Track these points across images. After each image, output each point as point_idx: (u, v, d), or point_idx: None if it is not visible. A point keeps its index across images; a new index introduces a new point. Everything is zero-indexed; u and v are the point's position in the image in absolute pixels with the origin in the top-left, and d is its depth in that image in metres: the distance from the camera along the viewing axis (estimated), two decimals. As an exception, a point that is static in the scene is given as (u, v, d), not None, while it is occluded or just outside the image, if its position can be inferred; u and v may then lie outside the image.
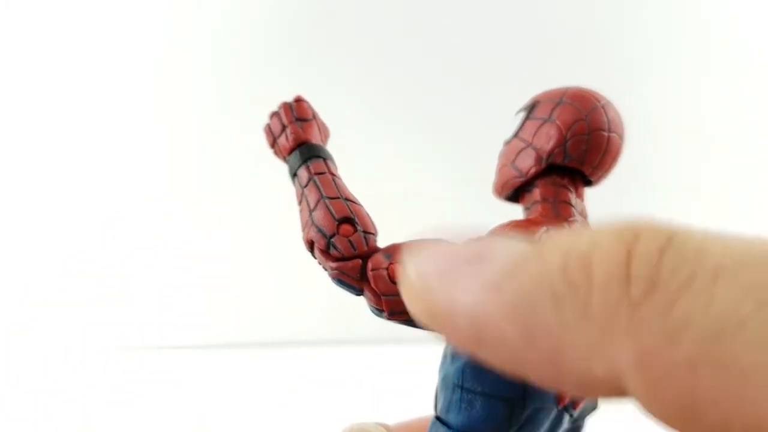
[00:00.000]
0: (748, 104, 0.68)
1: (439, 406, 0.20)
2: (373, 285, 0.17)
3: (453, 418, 0.19)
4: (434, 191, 0.66)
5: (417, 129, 0.66)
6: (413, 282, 0.10)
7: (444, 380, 0.20)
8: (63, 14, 0.63)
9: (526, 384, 0.18)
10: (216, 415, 0.48)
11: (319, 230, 0.18)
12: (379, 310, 0.17)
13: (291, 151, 0.20)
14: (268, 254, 0.66)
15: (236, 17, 0.65)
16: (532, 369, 0.09)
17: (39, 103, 0.65)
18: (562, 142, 0.19)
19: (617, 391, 0.08)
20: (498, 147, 0.22)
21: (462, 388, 0.19)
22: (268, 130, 0.21)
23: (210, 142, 0.66)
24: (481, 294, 0.09)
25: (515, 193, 0.21)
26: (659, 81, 0.67)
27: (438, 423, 0.19)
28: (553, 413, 0.19)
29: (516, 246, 0.09)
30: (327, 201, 0.18)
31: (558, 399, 0.19)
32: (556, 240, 0.09)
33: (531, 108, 0.20)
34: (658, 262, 0.08)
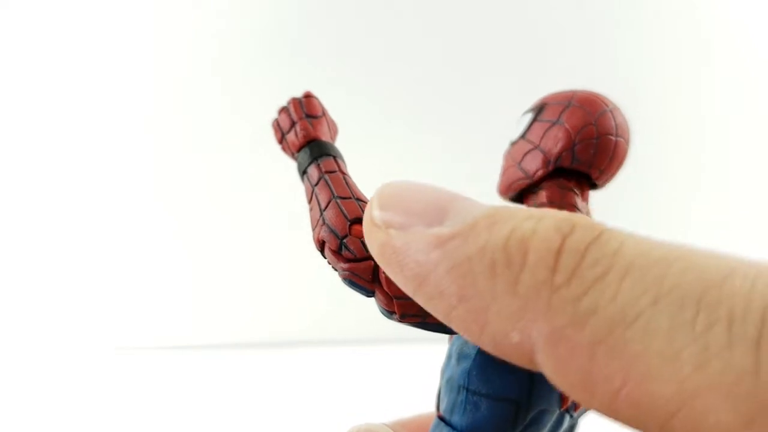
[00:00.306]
0: (746, 104, 0.68)
1: (443, 406, 0.20)
2: (385, 287, 0.17)
3: (457, 420, 0.19)
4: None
5: (424, 129, 0.66)
6: (375, 223, 0.11)
7: (449, 381, 0.20)
8: (60, 17, 0.63)
9: (532, 386, 0.18)
10: (216, 415, 0.48)
11: (331, 230, 0.17)
12: (390, 312, 0.17)
13: (300, 148, 0.20)
14: (269, 255, 0.66)
15: (240, 14, 0.65)
16: (459, 324, 0.10)
17: (39, 103, 0.65)
18: (570, 146, 0.19)
19: (527, 359, 0.09)
20: (503, 147, 0.22)
21: (467, 389, 0.18)
22: (276, 125, 0.21)
23: (210, 142, 0.66)
24: (430, 251, 0.10)
25: (520, 195, 0.21)
26: (658, 81, 0.67)
27: (442, 423, 0.19)
28: (555, 415, 0.19)
29: (472, 211, 0.10)
30: (339, 201, 0.18)
31: (561, 401, 0.19)
32: (505, 216, 0.10)
33: (539, 110, 0.20)
34: (582, 256, 0.09)
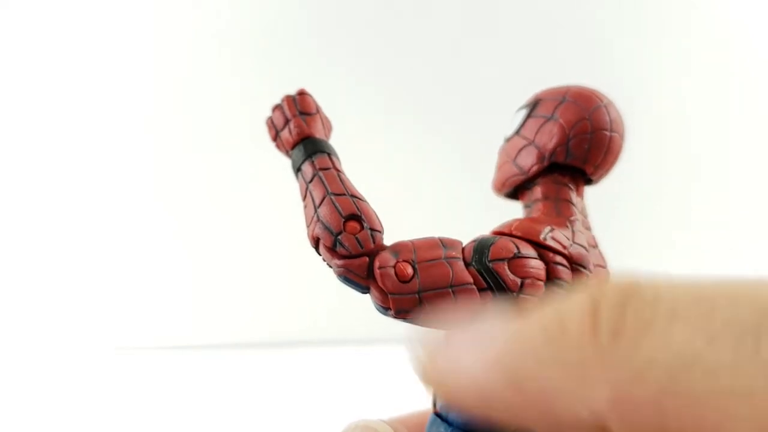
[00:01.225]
0: (744, 104, 0.68)
1: (440, 403, 0.20)
2: (380, 283, 0.17)
3: (454, 416, 0.19)
4: (437, 188, 0.66)
5: (420, 126, 0.66)
6: (428, 367, 0.12)
7: None
8: (60, 16, 0.63)
9: None
10: (216, 415, 0.48)
11: (326, 227, 0.17)
12: (385, 309, 0.17)
13: (294, 146, 0.20)
14: (269, 254, 0.66)
15: (240, 13, 0.65)
16: (532, 421, 0.10)
17: (39, 103, 0.65)
18: (564, 141, 0.19)
19: (604, 430, 0.09)
20: (500, 144, 0.22)
21: None
22: (270, 123, 0.21)
23: (210, 142, 0.66)
24: (481, 368, 0.10)
25: (515, 191, 0.21)
26: (657, 81, 0.67)
27: (438, 420, 0.19)
28: None
29: (506, 323, 0.11)
30: (333, 197, 0.18)
31: None
32: (536, 310, 0.10)
33: (533, 106, 0.20)
34: (621, 311, 0.09)
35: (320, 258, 0.18)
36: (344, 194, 0.18)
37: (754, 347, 0.08)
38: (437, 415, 0.20)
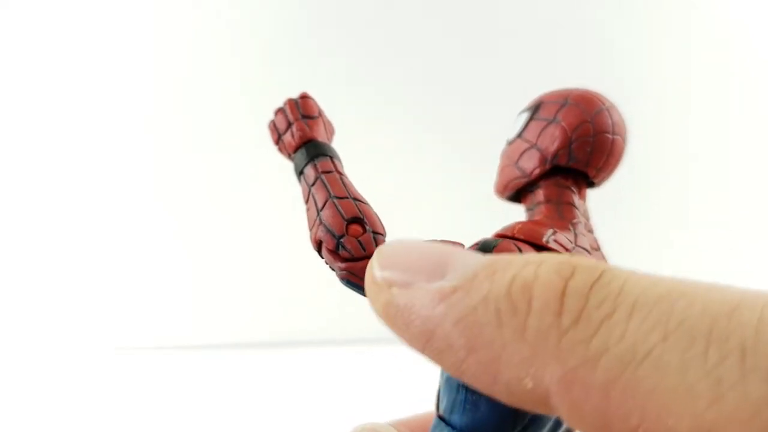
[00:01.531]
0: (744, 105, 0.68)
1: (443, 406, 0.20)
2: None
3: (457, 419, 0.19)
4: (439, 189, 0.66)
5: (422, 127, 0.66)
6: (377, 283, 0.12)
7: (448, 381, 0.20)
8: (60, 16, 0.63)
9: None
10: (216, 415, 0.48)
11: (328, 230, 0.17)
12: None
13: (297, 149, 0.20)
14: (269, 254, 0.66)
15: (240, 13, 0.65)
16: (471, 375, 0.10)
17: (39, 103, 0.65)
18: (567, 144, 0.19)
19: (543, 404, 0.09)
20: (501, 146, 0.22)
21: (467, 389, 0.18)
22: (273, 126, 0.21)
23: (210, 142, 0.66)
24: (435, 305, 0.10)
25: (517, 194, 0.21)
26: (655, 80, 0.67)
27: (441, 423, 0.19)
28: (556, 417, 0.19)
29: (471, 263, 0.11)
30: (335, 200, 0.18)
31: None
32: (505, 264, 0.10)
33: (535, 109, 0.20)
34: (586, 298, 0.09)
35: (323, 261, 0.18)
36: (347, 197, 0.18)
37: (703, 351, 0.08)
38: (440, 418, 0.19)
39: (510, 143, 0.21)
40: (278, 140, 0.21)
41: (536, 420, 0.19)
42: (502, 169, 0.21)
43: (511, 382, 0.09)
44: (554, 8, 0.65)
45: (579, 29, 0.66)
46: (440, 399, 0.20)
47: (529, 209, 0.21)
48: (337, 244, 0.17)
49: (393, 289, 0.11)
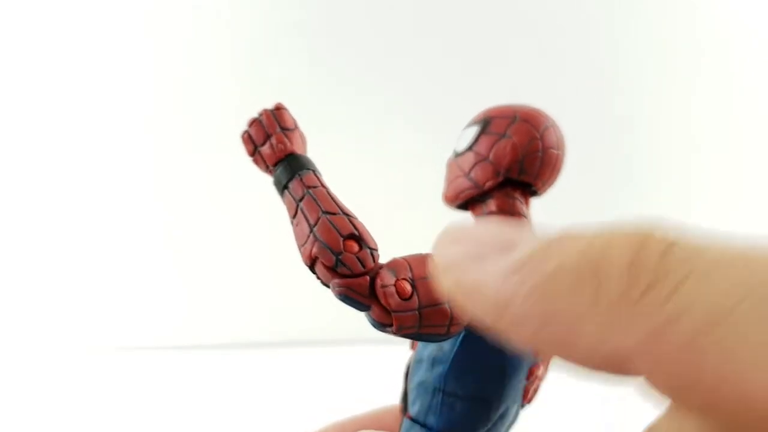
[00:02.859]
0: (741, 104, 0.68)
1: (415, 410, 0.20)
2: (383, 302, 0.17)
3: (433, 421, 0.19)
4: (424, 201, 0.66)
5: (424, 129, 0.66)
6: (445, 262, 0.12)
7: (421, 385, 0.20)
8: (60, 16, 0.63)
9: (506, 386, 0.19)
10: (216, 415, 0.49)
11: (325, 247, 0.17)
12: (384, 326, 0.17)
13: (277, 162, 0.20)
14: (269, 255, 0.66)
15: (240, 14, 0.65)
16: (547, 346, 0.10)
17: (39, 103, 0.65)
18: (518, 158, 0.20)
19: (623, 368, 0.09)
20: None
21: (443, 392, 0.19)
22: (248, 138, 0.21)
23: (210, 142, 0.66)
24: (507, 276, 0.10)
25: (466, 203, 0.22)
26: (654, 79, 0.67)
27: (416, 425, 0.20)
28: (516, 408, 0.21)
29: (540, 235, 0.11)
30: (328, 217, 0.18)
31: (524, 396, 0.20)
32: (577, 235, 0.10)
33: (485, 123, 0.21)
34: (662, 260, 0.09)
35: (315, 277, 0.18)
36: (338, 213, 0.18)
37: None
38: (413, 420, 0.20)
39: (459, 155, 0.22)
40: (254, 152, 0.21)
41: (504, 415, 0.20)
42: (453, 180, 0.22)
43: (589, 349, 0.09)
44: (553, 7, 0.65)
45: (578, 28, 0.66)
46: (410, 403, 0.21)
47: (478, 219, 0.22)
48: (336, 261, 0.17)
49: (464, 263, 0.11)
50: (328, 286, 0.18)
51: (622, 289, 0.09)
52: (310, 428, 0.24)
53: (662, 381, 0.09)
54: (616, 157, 0.66)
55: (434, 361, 0.20)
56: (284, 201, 0.19)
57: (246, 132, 0.21)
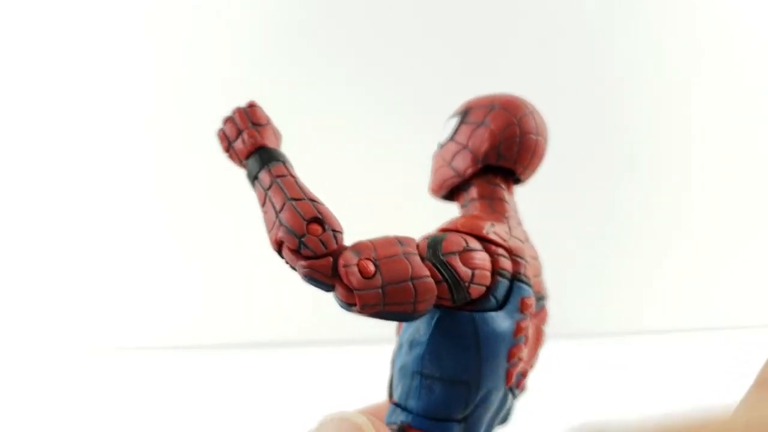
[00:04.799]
0: (744, 105, 0.68)
1: (398, 394, 0.21)
2: (345, 280, 0.18)
3: (413, 404, 0.20)
4: (424, 200, 0.66)
5: (410, 124, 0.66)
6: None
7: (402, 369, 0.21)
8: (61, 16, 0.64)
9: (481, 367, 0.20)
10: (216, 415, 0.49)
11: (289, 231, 0.18)
12: (349, 305, 0.18)
13: (248, 155, 0.20)
14: (269, 255, 0.66)
15: (238, 12, 0.65)
16: None
17: (39, 103, 0.65)
18: (496, 144, 0.21)
19: None
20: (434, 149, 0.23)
21: (421, 374, 0.20)
22: (222, 135, 0.21)
23: (211, 142, 0.66)
24: None
25: (451, 192, 0.23)
26: (653, 79, 0.67)
27: (398, 409, 0.21)
28: (501, 393, 0.21)
29: None
30: (293, 202, 0.18)
31: (506, 379, 0.21)
32: None
33: (464, 114, 0.22)
34: None
35: (283, 261, 0.19)
36: (303, 198, 0.18)
37: None
38: (396, 404, 0.21)
39: (442, 146, 0.23)
40: (228, 148, 0.21)
41: (485, 399, 0.20)
42: (437, 170, 0.23)
43: None
44: (553, 6, 0.66)
45: (578, 27, 0.66)
46: (393, 387, 0.22)
47: (463, 206, 0.22)
48: (299, 244, 0.18)
49: None
50: (295, 269, 0.18)
51: None
52: (309, 428, 0.24)
53: None
54: (616, 156, 0.66)
55: (412, 344, 0.20)
56: (255, 191, 0.20)
57: (221, 130, 0.22)
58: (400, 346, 0.21)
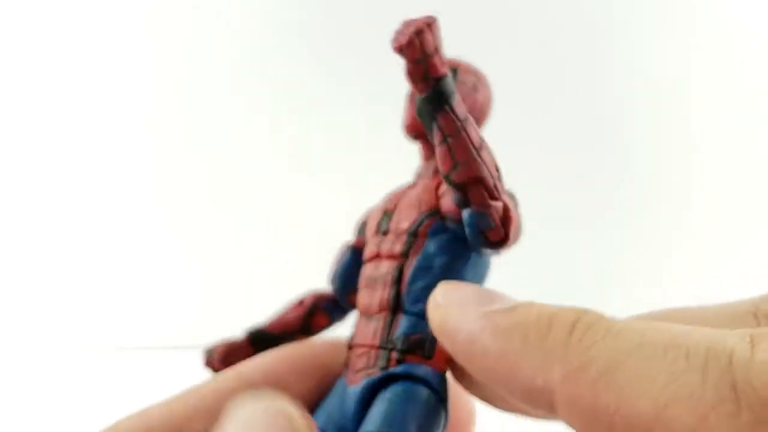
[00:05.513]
0: (745, 105, 0.68)
1: (420, 306, 0.19)
2: (506, 227, 0.18)
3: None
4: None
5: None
6: (438, 305, 0.16)
7: (427, 289, 0.19)
8: (61, 17, 0.64)
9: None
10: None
11: (491, 171, 0.18)
12: (502, 243, 0.18)
13: (443, 76, 0.17)
14: (269, 255, 0.66)
15: (238, 12, 0.65)
16: (496, 376, 0.14)
17: (39, 103, 0.65)
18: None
19: (547, 401, 0.13)
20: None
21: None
22: (418, 41, 0.17)
23: (211, 142, 0.66)
24: (480, 320, 0.14)
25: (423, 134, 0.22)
26: (656, 82, 0.67)
27: (422, 321, 0.18)
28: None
29: (512, 300, 0.15)
30: (484, 143, 0.18)
31: None
32: (538, 304, 0.14)
33: (453, 72, 0.24)
34: (589, 327, 0.13)
35: (458, 194, 0.18)
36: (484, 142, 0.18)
37: (662, 356, 0.11)
38: (417, 315, 0.19)
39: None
40: (420, 59, 0.17)
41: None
42: (409, 108, 0.24)
43: (526, 380, 0.13)
44: (552, 5, 0.66)
45: (577, 27, 0.66)
46: (410, 302, 0.20)
47: (426, 146, 0.23)
48: (494, 185, 0.18)
49: (450, 308, 0.15)
50: (468, 206, 0.18)
51: (561, 338, 0.13)
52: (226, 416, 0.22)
53: (572, 410, 0.12)
54: (615, 156, 0.66)
55: (445, 270, 0.19)
56: (440, 116, 0.17)
57: (415, 32, 0.17)
58: (426, 268, 0.19)
